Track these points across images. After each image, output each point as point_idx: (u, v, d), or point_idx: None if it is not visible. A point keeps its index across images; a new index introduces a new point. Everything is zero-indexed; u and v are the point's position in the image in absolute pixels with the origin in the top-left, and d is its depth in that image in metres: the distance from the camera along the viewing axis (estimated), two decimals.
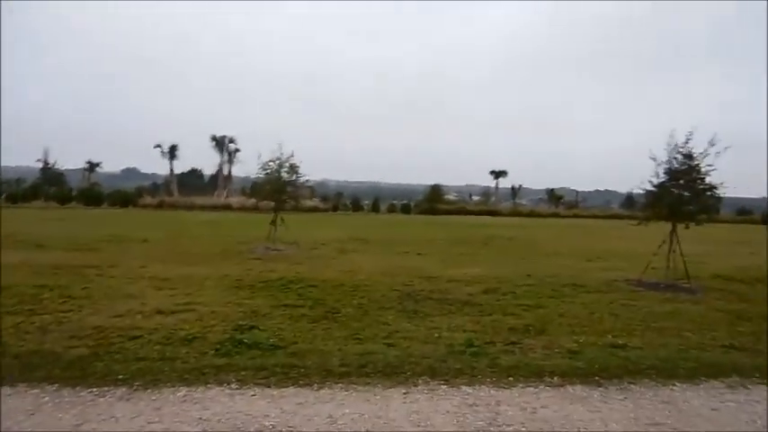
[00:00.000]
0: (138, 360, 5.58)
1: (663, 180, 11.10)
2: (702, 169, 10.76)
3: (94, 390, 4.83)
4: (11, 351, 5.73)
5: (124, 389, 4.87)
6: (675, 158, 10.95)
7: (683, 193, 10.97)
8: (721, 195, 10.93)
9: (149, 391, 4.86)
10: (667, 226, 11.53)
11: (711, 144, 10.58)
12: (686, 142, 10.87)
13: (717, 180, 10.88)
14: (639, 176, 11.60)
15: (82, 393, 4.76)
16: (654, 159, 11.10)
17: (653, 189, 11.29)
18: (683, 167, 10.88)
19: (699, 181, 10.78)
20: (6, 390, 4.77)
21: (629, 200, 45.37)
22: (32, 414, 4.31)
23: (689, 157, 10.84)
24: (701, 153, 10.74)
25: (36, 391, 4.78)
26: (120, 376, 5.13)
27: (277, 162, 15.43)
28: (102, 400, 4.64)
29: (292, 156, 15.54)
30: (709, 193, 10.84)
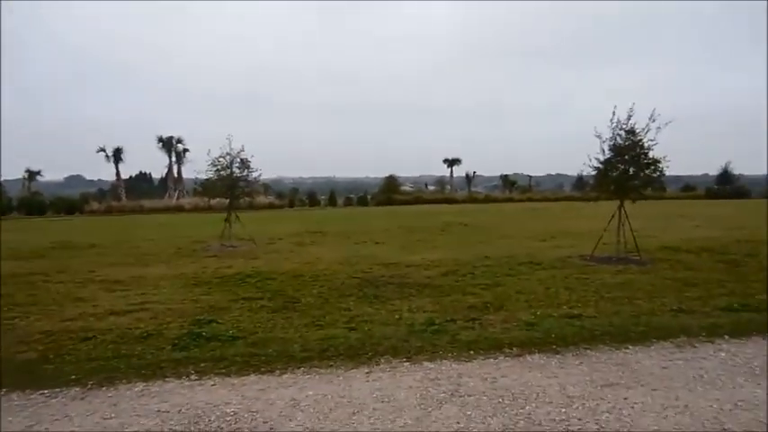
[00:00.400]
0: (90, 360, 5.41)
1: (608, 156, 11.43)
2: (645, 144, 11.13)
3: (46, 392, 4.66)
4: None
5: (77, 389, 4.71)
6: (619, 135, 11.29)
7: (628, 169, 11.32)
8: (664, 169, 11.32)
9: (104, 388, 4.71)
10: (617, 205, 11.90)
11: (652, 119, 10.97)
12: (628, 119, 11.23)
13: (659, 155, 11.30)
14: (588, 167, 11.93)
15: (32, 396, 4.57)
16: (599, 137, 11.42)
17: (599, 166, 11.61)
18: (626, 143, 11.22)
19: (642, 156, 11.15)
20: None
21: (580, 181, 46.51)
22: None
23: (632, 132, 11.20)
24: (643, 129, 11.11)
25: None
26: (73, 377, 4.96)
27: (228, 158, 15.14)
28: (54, 401, 4.48)
29: (243, 150, 15.27)
30: (652, 167, 11.22)
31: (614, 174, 11.43)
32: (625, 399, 4.33)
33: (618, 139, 11.32)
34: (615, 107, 11.32)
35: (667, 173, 11.67)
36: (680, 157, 12.29)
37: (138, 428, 3.92)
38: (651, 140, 11.07)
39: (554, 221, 22.59)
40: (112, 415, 4.17)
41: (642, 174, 11.34)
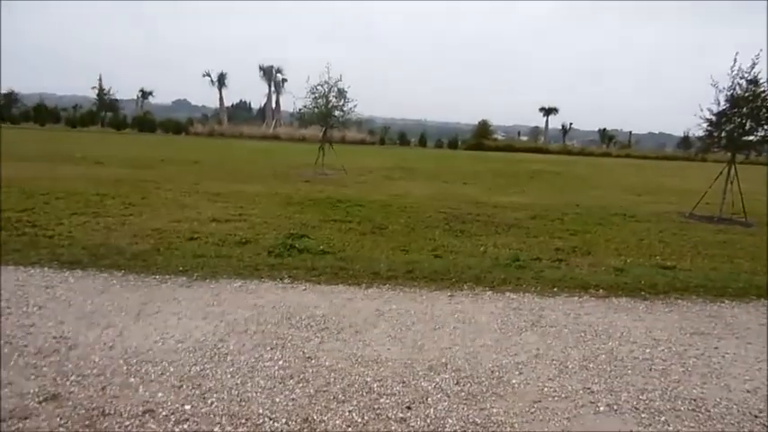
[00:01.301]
0: (195, 256, 5.88)
1: (724, 108, 10.52)
2: None
3: (157, 277, 5.16)
4: (79, 243, 6.12)
5: (184, 278, 5.17)
6: (739, 84, 10.32)
7: (744, 122, 10.40)
8: None
9: (207, 281, 5.14)
10: (724, 166, 11.04)
11: None
12: (752, 67, 10.21)
13: None
14: (699, 119, 11.03)
15: (146, 279, 5.08)
16: (715, 86, 10.49)
17: (711, 118, 10.73)
18: (746, 94, 10.26)
19: (764, 109, 10.17)
20: (78, 272, 5.14)
21: (686, 141, 43.39)
22: (102, 293, 4.65)
23: (754, 82, 10.20)
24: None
25: (105, 275, 5.13)
26: (180, 268, 5.43)
27: (325, 86, 15.37)
28: (164, 285, 4.95)
29: (340, 80, 15.43)
30: None
31: (728, 127, 10.54)
32: (716, 348, 4.19)
33: (737, 89, 10.36)
34: (737, 53, 10.32)
35: None
36: None
37: (236, 317, 4.28)
38: None
39: (653, 178, 21.38)
40: (215, 303, 4.57)
41: (761, 128, 10.38)
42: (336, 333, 4.08)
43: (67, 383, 3.11)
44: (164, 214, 8.14)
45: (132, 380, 3.19)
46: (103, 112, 47.92)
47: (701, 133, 11.31)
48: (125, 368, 3.32)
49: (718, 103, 10.67)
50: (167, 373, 3.28)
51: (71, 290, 4.68)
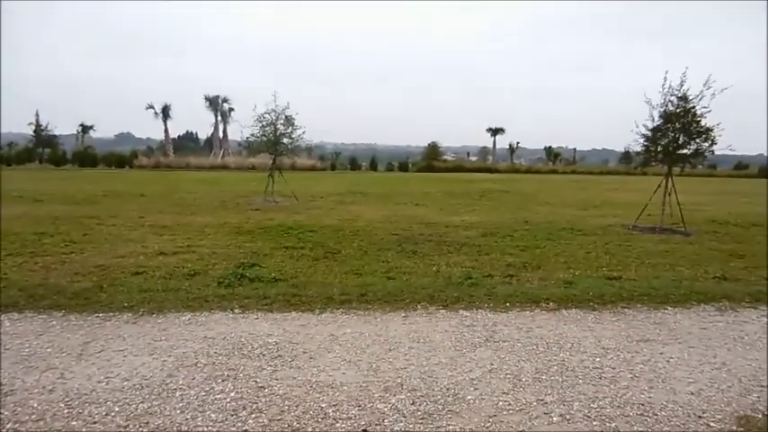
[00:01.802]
0: (142, 291, 5.69)
1: (658, 123, 11.06)
2: (698, 112, 10.72)
3: (100, 315, 4.96)
4: (15, 284, 5.83)
5: (129, 314, 4.99)
6: (671, 101, 10.89)
7: (677, 136, 10.95)
8: (716, 138, 10.89)
9: (154, 315, 4.98)
10: (663, 179, 11.54)
11: (707, 87, 10.54)
12: (681, 84, 10.81)
13: (712, 124, 10.87)
14: (636, 134, 11.55)
15: (88, 318, 4.87)
16: (648, 102, 11.04)
17: (647, 133, 11.27)
18: (678, 110, 10.83)
19: (694, 123, 10.75)
20: (14, 315, 4.89)
21: (626, 156, 45.21)
22: (41, 335, 4.43)
23: (684, 99, 10.78)
24: (697, 96, 10.69)
25: (44, 316, 4.89)
26: (125, 304, 5.25)
27: (273, 114, 15.32)
28: (108, 323, 4.76)
29: (287, 108, 15.42)
30: (704, 135, 10.83)
31: (663, 141, 11.07)
32: (661, 353, 4.33)
33: (669, 105, 10.92)
34: (666, 72, 10.90)
35: (718, 151, 11.26)
36: (735, 134, 11.75)
37: (185, 350, 4.15)
38: (705, 108, 10.66)
39: (597, 193, 22.13)
40: (162, 338, 4.42)
41: (692, 142, 10.95)
42: (290, 360, 4.00)
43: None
44: (107, 250, 7.86)
45: (74, 423, 3.04)
46: (41, 149, 46.20)
47: (638, 148, 11.81)
48: (66, 411, 3.16)
49: (653, 119, 11.21)
50: (112, 414, 3.14)
51: (6, 334, 4.44)
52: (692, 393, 3.62)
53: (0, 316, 4.86)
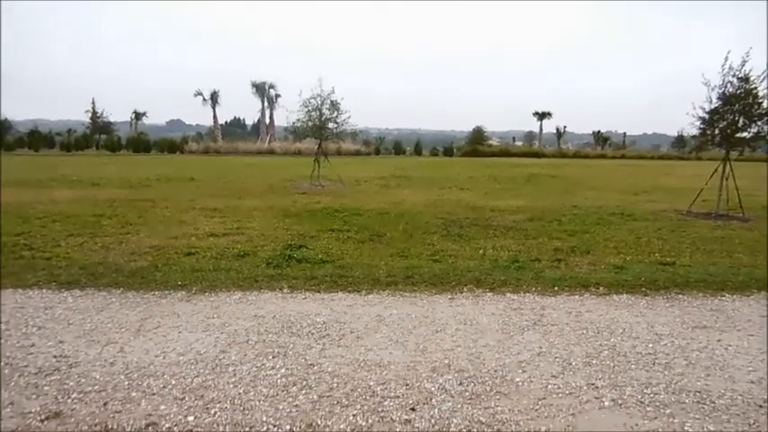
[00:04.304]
0: (194, 271, 5.86)
1: (716, 105, 10.58)
2: (760, 93, 10.20)
3: (156, 293, 5.14)
4: (77, 263, 6.11)
5: (183, 292, 5.16)
6: (730, 82, 10.39)
7: (737, 119, 10.45)
8: None
9: (207, 294, 5.13)
10: (719, 163, 11.06)
11: None
12: (743, 65, 10.29)
13: None
14: (692, 117, 11.07)
15: (145, 295, 5.06)
16: (707, 84, 10.55)
17: (704, 116, 10.79)
18: (738, 91, 10.32)
19: (756, 105, 10.24)
20: (76, 292, 5.12)
21: (680, 140, 43.61)
22: (101, 311, 4.63)
23: (745, 80, 10.26)
24: (759, 76, 10.17)
25: (103, 293, 5.11)
26: (179, 283, 5.42)
27: (318, 99, 15.41)
28: (163, 301, 4.93)
29: (333, 92, 15.48)
30: (765, 118, 10.31)
31: (721, 124, 10.59)
32: (718, 341, 4.19)
33: (729, 86, 10.43)
34: (728, 52, 10.39)
35: None
36: None
37: (237, 328, 4.26)
38: (767, 89, 10.13)
39: (649, 178, 21.43)
40: (215, 316, 4.55)
41: (753, 125, 10.44)
42: (338, 339, 4.06)
43: (69, 401, 3.08)
44: (161, 231, 8.12)
45: (134, 394, 3.17)
46: (97, 135, 47.97)
47: (694, 132, 11.35)
48: (126, 383, 3.30)
49: (711, 102, 10.72)
50: (169, 386, 3.26)
51: (70, 309, 4.66)
52: (752, 382, 3.48)
53: (64, 293, 5.10)
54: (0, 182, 14.15)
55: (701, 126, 11.06)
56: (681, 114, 11.40)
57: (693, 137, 11.69)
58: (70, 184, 15.46)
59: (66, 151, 39.64)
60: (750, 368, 3.71)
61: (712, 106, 10.74)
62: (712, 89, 10.63)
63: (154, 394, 3.16)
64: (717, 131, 10.84)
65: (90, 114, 52.61)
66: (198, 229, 8.40)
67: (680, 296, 5.35)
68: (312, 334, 4.16)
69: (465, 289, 5.41)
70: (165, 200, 11.85)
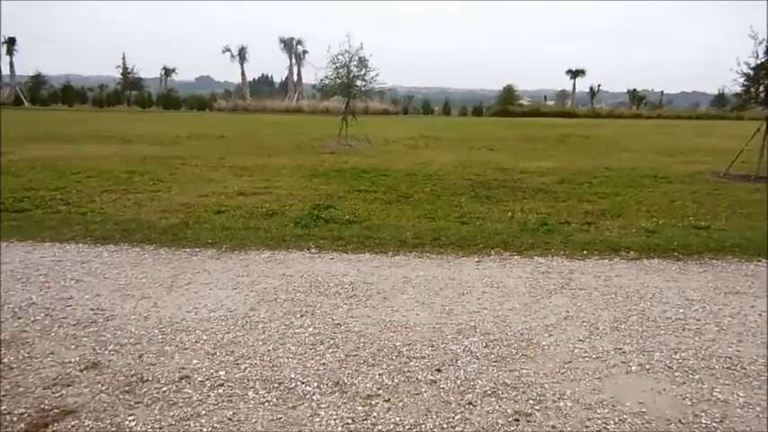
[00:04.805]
0: (224, 229, 5.96)
1: (763, 60, 10.09)
2: None
3: (187, 250, 5.24)
4: (111, 219, 6.26)
5: (213, 250, 5.25)
6: None
7: None
8: None
9: (236, 252, 5.21)
10: (761, 123, 10.62)
11: None
12: None
13: None
14: (736, 73, 10.56)
15: (177, 252, 5.17)
16: (754, 37, 10.04)
17: (749, 72, 10.32)
18: None
19: None
20: (111, 247, 5.26)
21: (721, 98, 41.94)
22: (135, 266, 4.75)
23: None
24: None
25: (137, 249, 5.24)
26: (210, 241, 5.52)
27: (346, 55, 15.22)
28: (194, 258, 5.04)
29: (361, 49, 15.25)
30: None
31: (767, 81, 10.12)
32: (752, 306, 4.11)
33: None
34: None
35: None
36: None
37: (266, 286, 4.34)
38: None
39: (686, 138, 20.80)
40: (244, 274, 4.63)
41: None
42: (365, 300, 4.10)
43: (106, 352, 3.20)
44: (191, 189, 8.24)
45: (168, 348, 3.27)
46: (128, 91, 48.44)
47: (737, 89, 10.90)
48: (160, 337, 3.40)
49: (757, 56, 10.23)
50: (201, 341, 3.35)
51: (105, 264, 4.80)
52: None
53: (100, 247, 5.24)
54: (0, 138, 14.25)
55: (745, 83, 10.61)
56: (723, 71, 10.95)
57: (736, 94, 11.23)
58: (103, 139, 15.73)
59: (99, 107, 40.25)
60: None
61: (759, 61, 10.25)
62: (760, 43, 10.13)
63: (186, 349, 3.26)
64: (762, 88, 10.39)
65: (121, 70, 53.00)
66: (227, 187, 8.50)
67: (714, 261, 5.24)
68: (339, 294, 4.21)
69: (492, 252, 5.39)
70: (195, 157, 11.98)
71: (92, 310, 3.80)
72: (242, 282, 4.44)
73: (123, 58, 52.82)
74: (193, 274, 4.58)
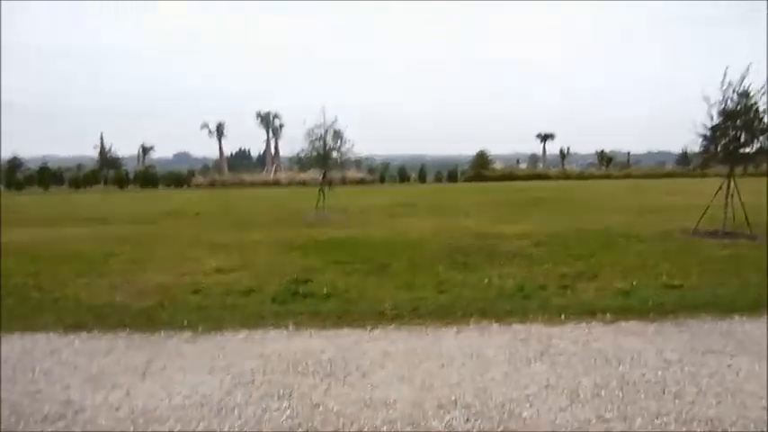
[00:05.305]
0: (200, 309, 5.88)
1: (717, 122, 10.60)
2: (761, 108, 10.23)
3: (162, 333, 5.14)
4: (84, 304, 6.14)
5: (189, 332, 5.16)
6: (731, 98, 10.43)
7: (739, 135, 10.47)
8: None
9: (212, 333, 5.13)
10: (724, 180, 11.04)
11: None
12: (741, 80, 10.34)
13: None
14: (694, 134, 11.10)
15: (151, 337, 5.07)
16: (707, 100, 10.59)
17: (706, 133, 10.81)
18: (738, 107, 10.36)
19: (757, 121, 10.27)
20: (83, 335, 5.14)
21: (684, 157, 43.46)
22: (108, 353, 4.63)
23: (745, 95, 10.31)
24: (759, 91, 10.21)
25: (110, 335, 5.12)
26: (185, 322, 5.42)
27: (321, 129, 15.55)
28: (169, 341, 4.94)
29: (336, 121, 15.63)
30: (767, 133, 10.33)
31: (723, 141, 10.61)
32: (729, 366, 4.14)
33: (729, 102, 10.46)
34: (727, 67, 10.45)
35: None
36: None
37: (242, 368, 4.25)
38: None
39: (654, 197, 21.38)
40: (220, 356, 4.54)
41: (755, 141, 10.45)
42: (343, 377, 4.04)
43: None
44: (167, 269, 8.16)
45: None
46: (106, 170, 48.54)
47: (697, 149, 11.36)
48: (132, 429, 3.29)
49: (712, 118, 10.75)
50: (174, 431, 3.25)
51: (77, 353, 4.67)
52: (764, 408, 3.43)
53: (71, 336, 5.12)
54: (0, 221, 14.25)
55: (704, 143, 11.08)
56: (684, 131, 11.46)
57: (696, 154, 11.70)
58: (79, 221, 15.60)
59: (76, 188, 40.08)
60: (762, 394, 3.65)
61: (713, 123, 10.77)
62: (712, 105, 10.67)
63: None
64: (719, 148, 10.85)
65: (98, 150, 53.36)
66: (204, 264, 8.44)
67: (689, 320, 5.30)
68: (317, 372, 4.15)
69: (471, 320, 5.39)
70: (172, 235, 11.92)
71: (60, 403, 3.67)
72: (217, 365, 4.35)
73: (101, 138, 53.39)
74: (168, 359, 4.48)
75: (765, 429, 3.12)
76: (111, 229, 13.56)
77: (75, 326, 5.38)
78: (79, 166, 49.93)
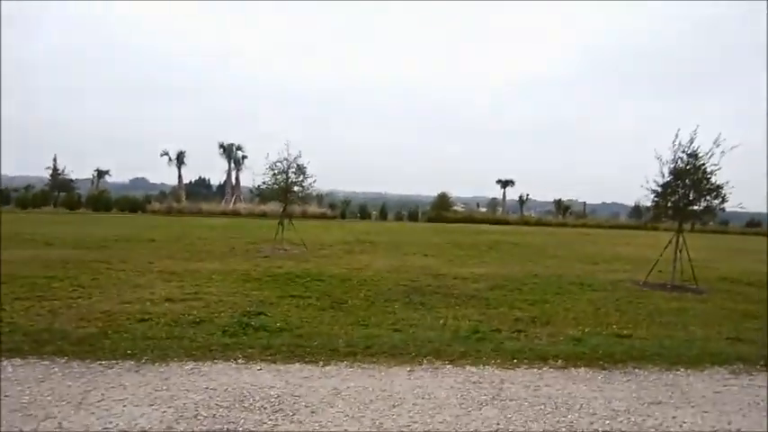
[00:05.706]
0: (146, 339, 5.66)
1: (668, 180, 11.11)
2: (708, 169, 10.77)
3: (103, 362, 4.92)
4: (21, 329, 5.82)
5: (132, 362, 4.95)
6: (681, 158, 10.97)
7: (687, 193, 10.97)
8: (727, 196, 10.91)
9: (157, 364, 4.93)
10: (674, 234, 11.50)
11: (716, 144, 10.63)
12: (690, 142, 10.92)
13: (722, 182, 10.92)
14: (646, 189, 11.60)
15: (91, 365, 4.83)
16: (659, 159, 11.11)
17: (658, 189, 11.30)
18: (687, 167, 10.89)
19: (704, 181, 10.79)
20: (17, 361, 4.86)
21: (637, 210, 45.06)
22: (42, 381, 4.39)
23: (694, 156, 10.86)
24: (706, 153, 10.77)
25: (46, 362, 4.86)
26: (129, 352, 5.21)
27: (284, 163, 15.54)
28: (110, 371, 4.72)
29: (299, 156, 15.64)
30: (714, 192, 10.85)
31: (673, 198, 11.09)
32: (674, 417, 4.20)
33: (679, 162, 11.00)
34: (678, 130, 11.02)
35: (730, 208, 11.29)
36: (747, 191, 11.81)
37: (186, 401, 4.08)
38: (715, 165, 10.72)
39: (607, 247, 21.97)
40: (164, 388, 4.36)
41: (703, 199, 10.96)
42: (291, 414, 3.92)
43: None
44: (114, 295, 7.87)
45: None
46: (56, 192, 46.98)
47: (649, 203, 11.83)
48: None
49: (663, 175, 11.25)
50: None
51: (8, 380, 4.41)
52: None
53: (3, 362, 4.83)
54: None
55: (655, 198, 11.55)
56: (637, 185, 11.89)
57: (648, 208, 12.16)
58: (23, 243, 14.96)
59: (23, 208, 38.60)
60: None
61: (665, 180, 11.26)
62: (664, 164, 11.18)
63: None
64: (669, 204, 11.32)
65: (51, 171, 51.71)
66: (154, 293, 8.17)
67: (636, 370, 5.39)
68: (265, 408, 4.02)
69: (425, 361, 5.35)
70: (122, 261, 11.54)
71: None
72: (160, 396, 4.17)
73: (54, 159, 51.78)
74: (107, 390, 4.27)
75: None
76: (58, 251, 13.04)
77: (9, 351, 5.09)
78: (28, 187, 48.21)
